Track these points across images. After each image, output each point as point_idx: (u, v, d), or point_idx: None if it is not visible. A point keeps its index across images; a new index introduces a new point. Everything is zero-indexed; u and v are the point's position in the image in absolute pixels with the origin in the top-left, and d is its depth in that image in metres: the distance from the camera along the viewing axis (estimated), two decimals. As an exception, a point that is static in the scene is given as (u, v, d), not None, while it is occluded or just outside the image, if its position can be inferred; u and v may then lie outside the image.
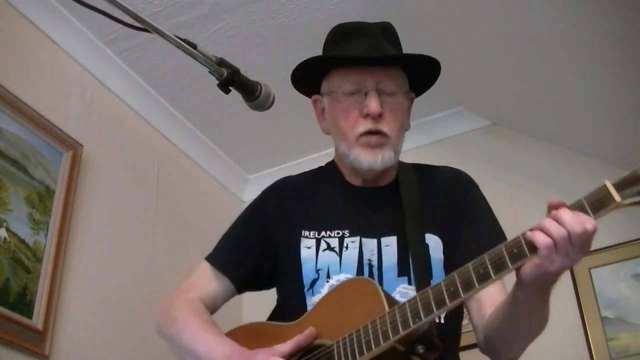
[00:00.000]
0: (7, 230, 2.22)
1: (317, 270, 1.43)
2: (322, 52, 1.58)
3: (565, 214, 1.11)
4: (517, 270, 1.17)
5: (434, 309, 1.16)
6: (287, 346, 1.28)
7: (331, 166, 1.61)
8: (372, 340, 1.22)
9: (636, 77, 2.38)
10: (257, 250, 1.53)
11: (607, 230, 2.85)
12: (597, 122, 2.81)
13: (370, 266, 1.41)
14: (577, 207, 1.12)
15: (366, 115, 1.44)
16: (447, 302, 1.15)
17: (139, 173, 3.01)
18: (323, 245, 1.45)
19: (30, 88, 2.49)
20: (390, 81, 1.47)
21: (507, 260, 1.14)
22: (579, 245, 1.10)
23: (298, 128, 3.31)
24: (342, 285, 1.36)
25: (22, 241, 2.27)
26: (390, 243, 1.43)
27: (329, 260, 1.43)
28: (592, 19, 2.25)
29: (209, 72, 1.34)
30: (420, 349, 1.22)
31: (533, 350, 2.94)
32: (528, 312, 1.26)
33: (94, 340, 2.49)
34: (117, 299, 2.64)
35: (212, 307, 1.52)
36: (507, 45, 2.66)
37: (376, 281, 1.36)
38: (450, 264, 1.40)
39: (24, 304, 2.21)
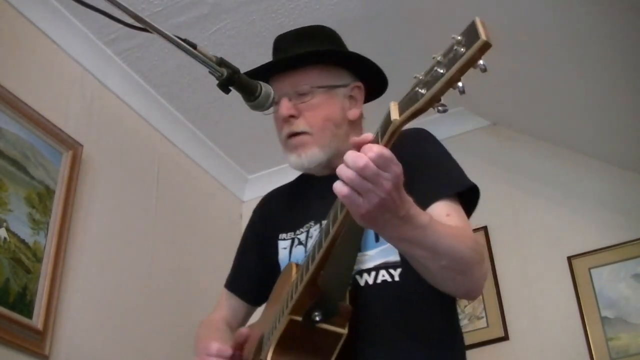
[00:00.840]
0: (7, 230, 2.22)
1: None
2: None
3: (347, 155, 1.06)
4: None
5: (310, 268, 1.20)
6: (225, 346, 1.40)
7: None
8: (277, 320, 1.29)
9: (636, 77, 2.39)
10: (253, 265, 1.67)
11: (607, 230, 2.88)
12: (597, 122, 2.81)
13: None
14: (374, 138, 1.07)
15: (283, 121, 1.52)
16: (309, 266, 1.21)
17: (139, 173, 3.01)
18: (295, 242, 1.53)
19: (30, 88, 2.49)
20: (303, 81, 1.53)
21: (338, 211, 1.17)
22: (371, 177, 1.04)
23: (298, 128, 3.31)
24: (280, 276, 1.47)
25: (22, 241, 2.27)
26: None
27: (298, 254, 1.50)
28: (592, 20, 2.25)
29: (209, 72, 1.34)
30: (317, 315, 1.21)
31: (533, 350, 2.96)
32: (407, 247, 1.20)
33: (94, 340, 2.49)
34: (117, 299, 2.64)
35: (236, 322, 1.68)
36: (507, 45, 2.66)
37: None
38: None
39: (24, 304, 2.21)
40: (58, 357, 2.30)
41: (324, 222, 1.19)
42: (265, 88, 1.41)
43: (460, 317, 2.94)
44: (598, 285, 2.80)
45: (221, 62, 1.33)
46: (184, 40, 1.30)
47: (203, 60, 1.31)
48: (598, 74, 2.50)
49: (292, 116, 1.50)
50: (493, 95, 3.10)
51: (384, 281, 1.37)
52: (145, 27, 1.27)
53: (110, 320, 2.58)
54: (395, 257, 1.38)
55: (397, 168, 1.05)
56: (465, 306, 2.98)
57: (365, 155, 1.03)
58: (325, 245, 1.18)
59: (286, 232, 1.56)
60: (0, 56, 2.41)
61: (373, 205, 1.06)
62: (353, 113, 1.57)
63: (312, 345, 1.23)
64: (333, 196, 1.48)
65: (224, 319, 1.67)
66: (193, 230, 3.20)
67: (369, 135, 1.07)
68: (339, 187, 1.07)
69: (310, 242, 1.45)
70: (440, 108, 0.95)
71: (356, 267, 1.37)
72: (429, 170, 1.43)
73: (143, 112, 3.09)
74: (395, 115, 1.00)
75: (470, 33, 0.91)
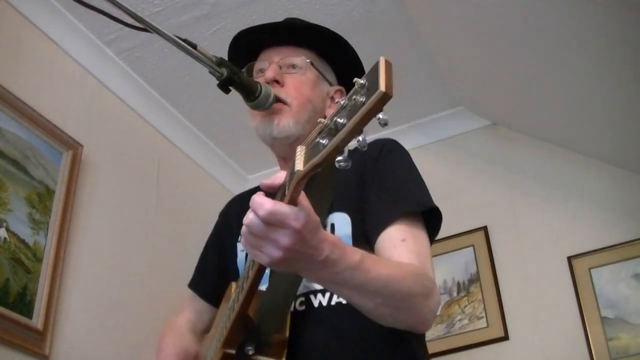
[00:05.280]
0: (7, 230, 2.22)
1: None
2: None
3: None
4: None
5: (239, 298, 1.17)
6: None
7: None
8: (213, 351, 1.28)
9: (636, 77, 2.39)
10: (214, 266, 1.64)
11: (607, 230, 2.88)
12: (597, 122, 2.81)
13: None
14: (284, 184, 0.97)
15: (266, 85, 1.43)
16: (235, 306, 1.16)
17: (139, 173, 3.01)
18: None
19: (30, 88, 2.49)
20: (295, 56, 1.50)
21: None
22: (261, 234, 0.97)
23: (298, 128, 3.31)
24: (227, 292, 1.44)
25: (22, 241, 2.27)
26: None
27: None
28: (593, 19, 2.25)
29: (209, 72, 1.34)
30: (249, 350, 1.16)
31: (533, 350, 2.96)
32: (336, 290, 1.16)
33: (94, 340, 2.49)
34: (117, 299, 2.64)
35: (201, 324, 1.64)
36: (507, 45, 2.66)
37: None
38: (358, 234, 1.32)
39: (24, 304, 2.21)
40: (58, 357, 2.30)
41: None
42: (265, 88, 1.41)
43: (460, 317, 2.99)
44: (598, 285, 2.80)
45: (221, 62, 1.33)
46: (184, 40, 1.30)
47: (203, 60, 1.31)
48: (598, 74, 2.50)
49: (276, 81, 1.45)
50: (493, 95, 3.10)
51: (339, 303, 1.28)
52: (145, 27, 1.27)
53: (110, 320, 2.58)
54: None
55: (297, 223, 0.95)
56: (465, 306, 2.98)
57: (251, 212, 0.96)
58: (251, 276, 1.11)
59: None
60: (0, 56, 2.41)
61: (274, 258, 0.99)
62: (330, 112, 1.55)
63: None
64: None
65: (190, 323, 1.63)
66: (193, 230, 3.20)
67: (277, 177, 0.99)
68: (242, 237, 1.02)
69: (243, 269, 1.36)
70: (342, 163, 0.83)
71: (309, 287, 1.30)
72: (388, 188, 1.35)
73: (143, 112, 3.09)
74: (299, 165, 0.89)
75: (373, 78, 0.77)
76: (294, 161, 0.91)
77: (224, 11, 2.76)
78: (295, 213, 0.95)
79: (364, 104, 0.77)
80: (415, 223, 1.31)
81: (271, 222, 0.95)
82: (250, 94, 1.39)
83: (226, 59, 1.38)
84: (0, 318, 2.10)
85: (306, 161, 0.89)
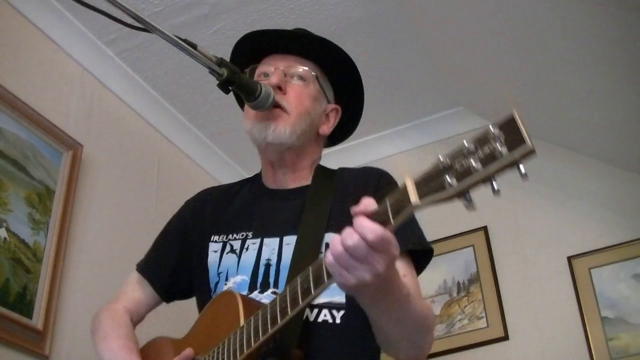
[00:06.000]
0: (7, 230, 2.22)
1: (219, 274, 1.44)
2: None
3: (346, 229, 1.00)
4: None
5: (269, 329, 1.14)
6: None
7: (258, 174, 1.63)
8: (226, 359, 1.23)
9: (636, 77, 2.39)
10: (173, 257, 1.57)
11: (607, 230, 2.88)
12: (597, 122, 2.81)
13: (268, 265, 1.39)
14: (380, 211, 0.99)
15: None
16: (278, 321, 1.13)
17: (139, 173, 3.01)
18: (227, 248, 1.46)
19: (30, 88, 2.49)
20: (301, 67, 1.51)
21: (324, 276, 1.06)
22: (361, 258, 0.99)
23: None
24: (215, 299, 1.39)
25: (22, 241, 2.26)
26: (291, 242, 1.40)
27: (229, 262, 1.43)
28: (592, 20, 2.25)
29: (209, 72, 1.34)
30: None
31: (533, 350, 2.96)
32: (378, 315, 1.18)
33: (94, 340, 2.48)
34: (117, 299, 2.64)
35: (137, 315, 1.57)
36: (507, 45, 2.66)
37: (272, 278, 1.36)
38: None
39: (24, 304, 2.21)
40: (58, 357, 2.30)
41: (301, 279, 1.11)
42: (265, 88, 1.41)
43: (460, 317, 2.99)
44: (598, 285, 2.80)
45: (221, 62, 1.34)
46: (184, 40, 1.30)
47: (203, 60, 1.32)
48: (598, 74, 2.50)
49: (279, 88, 1.45)
50: (493, 95, 3.10)
51: (325, 321, 1.31)
52: (145, 27, 1.27)
53: (110, 320, 2.58)
54: (340, 299, 1.33)
55: (396, 252, 1.01)
56: (466, 306, 2.98)
57: (357, 234, 0.97)
58: (302, 305, 1.10)
59: (218, 235, 1.48)
60: (0, 56, 2.41)
61: (362, 281, 1.01)
62: (324, 129, 1.55)
63: None
64: (278, 215, 1.45)
65: (128, 313, 1.55)
66: (193, 230, 3.20)
67: (370, 203, 1.01)
68: (328, 257, 1.02)
69: (282, 289, 1.29)
70: (466, 203, 0.89)
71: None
72: None
73: (143, 112, 3.09)
74: (415, 199, 0.92)
75: (512, 131, 0.85)
76: (402, 189, 0.94)
77: (224, 11, 2.76)
78: (396, 242, 1.00)
79: (505, 154, 0.84)
80: (410, 261, 1.36)
81: (377, 248, 0.98)
82: (251, 94, 1.39)
83: (226, 58, 1.38)
84: (0, 318, 2.10)
85: (423, 194, 0.91)
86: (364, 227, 0.97)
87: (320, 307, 1.32)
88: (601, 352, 2.67)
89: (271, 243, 1.41)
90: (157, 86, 3.09)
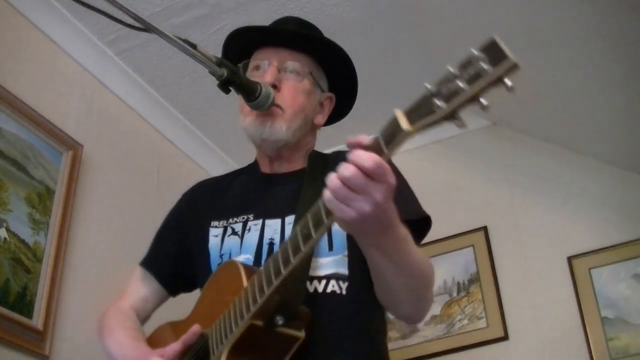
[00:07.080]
0: (7, 230, 2.22)
1: (221, 255, 1.45)
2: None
3: (342, 163, 1.00)
4: None
5: (273, 281, 1.14)
6: (175, 346, 1.31)
7: (253, 162, 1.66)
8: (232, 323, 1.22)
9: (636, 77, 2.39)
10: (174, 247, 1.58)
11: (607, 230, 2.88)
12: (597, 122, 2.81)
13: (272, 244, 1.40)
14: (373, 142, 1.00)
15: None
16: (282, 270, 1.12)
17: (139, 173, 3.01)
18: (229, 231, 1.47)
19: (30, 88, 2.49)
20: (294, 62, 1.51)
21: (324, 216, 1.05)
22: (359, 188, 0.98)
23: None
24: (216, 272, 1.40)
25: (22, 241, 2.27)
26: (292, 221, 1.41)
27: (231, 244, 1.44)
28: (593, 20, 2.25)
29: (209, 72, 1.35)
30: (279, 320, 1.17)
31: (533, 350, 2.96)
32: (378, 258, 1.18)
33: (94, 340, 2.47)
34: (117, 299, 2.64)
35: (143, 312, 1.57)
36: (507, 45, 2.66)
37: None
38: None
39: (24, 304, 2.21)
40: (58, 357, 2.30)
41: (300, 226, 1.10)
42: (265, 89, 1.41)
43: (460, 317, 2.99)
44: (598, 285, 2.80)
45: (221, 62, 1.34)
46: (184, 40, 1.30)
47: (203, 60, 1.32)
48: (598, 74, 2.50)
49: (274, 85, 1.46)
50: (493, 95, 3.10)
51: (333, 292, 1.33)
52: (145, 27, 1.27)
53: (110, 320, 2.58)
54: (344, 271, 1.35)
55: (393, 180, 1.01)
56: (465, 306, 2.98)
57: (353, 165, 0.98)
58: (304, 250, 1.09)
59: (218, 220, 1.50)
60: (0, 56, 2.41)
61: (362, 213, 1.00)
62: (319, 119, 1.57)
63: (267, 348, 1.20)
64: (276, 197, 1.46)
65: (134, 311, 1.55)
66: (193, 230, 3.20)
67: (364, 137, 1.01)
68: (326, 193, 1.01)
69: (279, 245, 1.35)
70: (458, 123, 0.91)
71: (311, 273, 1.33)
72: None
73: (143, 112, 3.09)
74: (406, 125, 0.93)
75: (494, 50, 0.87)
76: (393, 120, 0.94)
77: (224, 11, 2.76)
78: (391, 171, 0.99)
79: (490, 71, 0.85)
80: (408, 231, 1.35)
81: (374, 175, 0.97)
82: (251, 94, 1.39)
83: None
84: (0, 318, 2.10)
85: (413, 120, 0.93)
86: (360, 156, 0.98)
87: (328, 278, 1.34)
88: (601, 352, 2.66)
89: (273, 224, 1.43)
90: (157, 86, 3.09)
